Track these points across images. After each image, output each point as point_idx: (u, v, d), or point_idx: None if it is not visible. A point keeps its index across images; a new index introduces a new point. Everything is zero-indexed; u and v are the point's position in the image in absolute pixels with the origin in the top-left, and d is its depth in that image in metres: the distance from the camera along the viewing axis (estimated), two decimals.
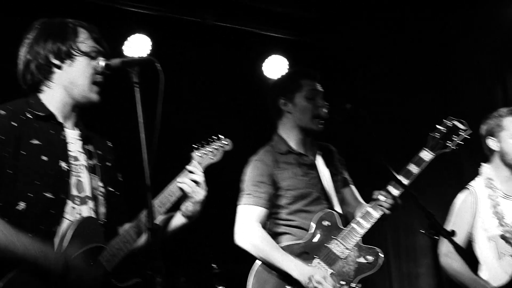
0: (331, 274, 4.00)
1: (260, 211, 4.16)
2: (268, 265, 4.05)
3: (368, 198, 4.12)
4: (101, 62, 3.10)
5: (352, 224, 4.09)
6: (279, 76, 4.63)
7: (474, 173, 4.75)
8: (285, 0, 6.56)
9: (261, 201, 4.16)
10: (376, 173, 3.92)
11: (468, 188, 4.63)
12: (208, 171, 3.40)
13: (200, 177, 3.28)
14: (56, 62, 3.11)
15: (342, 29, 7.19)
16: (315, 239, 4.12)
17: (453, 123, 4.13)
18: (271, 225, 4.26)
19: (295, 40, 7.12)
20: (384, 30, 7.15)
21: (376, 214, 4.06)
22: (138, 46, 6.25)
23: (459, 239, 4.42)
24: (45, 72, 3.11)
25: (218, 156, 3.49)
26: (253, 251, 4.08)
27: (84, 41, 3.14)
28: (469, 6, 6.53)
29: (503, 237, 4.47)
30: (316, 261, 4.04)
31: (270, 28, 6.88)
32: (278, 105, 4.44)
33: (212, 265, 5.84)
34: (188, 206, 3.30)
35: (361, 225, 4.07)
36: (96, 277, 2.93)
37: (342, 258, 4.05)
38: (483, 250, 4.54)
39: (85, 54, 3.12)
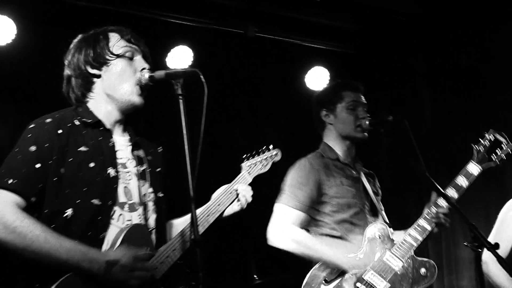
0: (388, 287, 3.95)
1: (297, 215, 4.11)
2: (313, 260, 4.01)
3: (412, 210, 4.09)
4: (146, 74, 3.12)
5: (405, 236, 4.06)
6: (322, 89, 4.64)
7: None
8: (328, 12, 6.54)
9: (299, 205, 4.12)
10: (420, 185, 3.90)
11: None
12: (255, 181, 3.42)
13: (249, 191, 3.31)
14: (93, 71, 3.15)
15: (386, 40, 7.16)
16: (367, 253, 4.07)
17: (494, 137, 4.09)
18: (312, 233, 4.20)
19: (337, 52, 7.10)
20: (427, 42, 7.11)
21: (428, 227, 4.04)
22: (180, 58, 6.29)
23: (503, 249, 4.36)
24: (86, 84, 3.17)
25: (267, 166, 3.53)
26: (294, 247, 4.02)
27: (116, 43, 3.18)
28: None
29: None
30: (370, 272, 3.97)
31: (312, 39, 6.87)
32: (320, 117, 4.45)
33: (254, 275, 5.84)
34: (228, 211, 3.33)
35: (414, 237, 4.04)
36: (144, 284, 2.91)
37: (396, 271, 4.00)
38: None
39: (119, 56, 3.15)
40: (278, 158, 3.59)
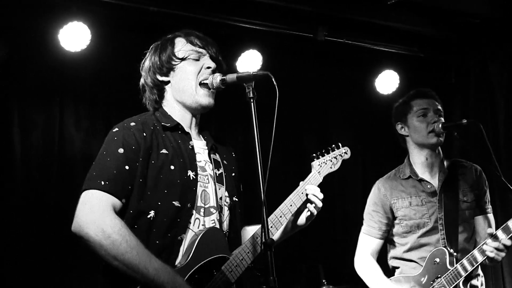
0: None
1: (372, 242, 4.37)
2: None
3: None
4: (218, 78, 3.13)
5: (457, 265, 4.06)
6: (396, 102, 4.61)
7: None
8: (397, 15, 6.46)
9: (373, 231, 4.36)
10: None
11: None
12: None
13: (319, 193, 3.29)
14: (162, 78, 3.21)
15: (459, 44, 7.04)
16: (424, 275, 4.15)
17: None
18: (391, 253, 4.40)
19: (407, 55, 7.01)
20: (498, 45, 6.96)
21: (479, 258, 4.00)
22: (250, 62, 6.31)
23: None
24: (158, 92, 3.24)
25: (337, 165, 3.52)
26: (364, 280, 4.33)
27: (182, 48, 3.21)
28: None
29: None
30: None
31: (382, 42, 6.80)
32: (398, 131, 4.44)
33: (322, 280, 5.81)
34: (302, 217, 3.31)
35: (464, 267, 4.04)
36: (220, 287, 2.95)
37: None
38: None
39: (183, 59, 3.19)
40: (347, 156, 3.58)
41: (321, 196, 3.28)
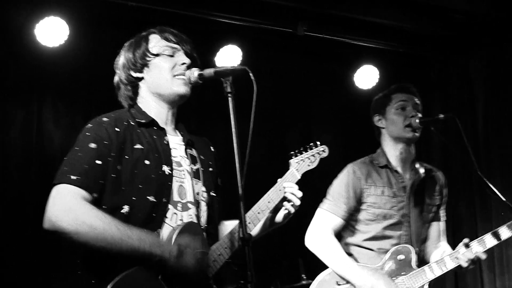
0: None
1: (336, 221, 4.22)
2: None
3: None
4: (195, 72, 3.12)
5: (425, 267, 4.07)
6: (375, 95, 4.63)
7: None
8: (377, 10, 6.48)
9: (339, 211, 4.22)
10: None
11: None
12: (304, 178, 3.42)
13: (299, 191, 3.29)
14: (137, 75, 3.20)
15: (440, 39, 7.08)
16: (384, 269, 4.13)
17: None
18: (345, 239, 4.31)
19: (387, 50, 7.04)
20: (478, 41, 7.02)
21: (450, 265, 4.01)
22: (229, 57, 6.31)
23: None
24: (133, 88, 3.22)
25: (315, 163, 3.52)
26: (321, 256, 4.16)
27: (156, 44, 3.20)
28: None
29: None
30: None
31: (361, 37, 6.82)
32: (374, 123, 4.45)
33: (302, 275, 5.83)
34: (279, 214, 3.31)
35: (433, 271, 4.04)
36: (197, 282, 2.95)
37: None
38: None
39: (157, 55, 3.18)
40: (325, 154, 3.58)
41: (299, 194, 3.28)
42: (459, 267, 3.98)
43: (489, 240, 3.94)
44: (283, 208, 3.28)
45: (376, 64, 7.07)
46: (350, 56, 7.04)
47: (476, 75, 7.36)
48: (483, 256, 3.95)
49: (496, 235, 3.93)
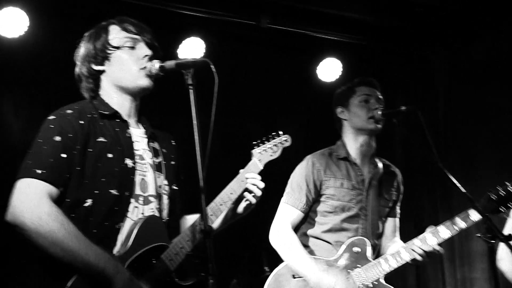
0: None
1: (296, 214, 4.26)
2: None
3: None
4: (156, 64, 3.11)
5: (380, 259, 4.10)
6: (338, 87, 4.65)
7: None
8: (341, 2, 6.50)
9: (299, 204, 4.25)
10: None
11: None
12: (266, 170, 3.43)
13: (261, 182, 3.30)
14: (98, 67, 3.18)
15: (401, 32, 7.12)
16: (340, 262, 4.15)
17: None
18: (303, 230, 4.32)
19: (350, 43, 7.06)
20: (440, 34, 7.08)
21: (406, 257, 4.03)
22: (192, 49, 6.28)
23: None
24: (94, 80, 3.20)
25: (278, 153, 3.55)
26: (279, 252, 4.21)
27: (116, 36, 3.18)
28: None
29: None
30: (334, 284, 4.04)
31: (325, 30, 6.83)
32: (337, 115, 4.46)
33: (265, 267, 5.84)
34: (241, 205, 3.32)
35: (389, 263, 4.06)
36: (158, 275, 2.95)
37: None
38: None
39: (118, 48, 3.15)
40: (288, 143, 3.60)
41: (261, 185, 3.29)
42: (415, 260, 4.01)
43: (444, 231, 3.98)
44: (245, 199, 3.28)
45: (339, 57, 7.08)
46: (313, 49, 7.05)
47: (437, 68, 7.44)
48: (438, 248, 3.99)
49: (451, 227, 3.97)
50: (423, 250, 3.95)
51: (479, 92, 6.94)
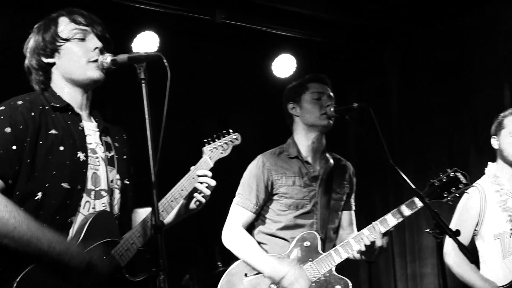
0: None
1: (246, 215, 4.27)
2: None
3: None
4: (108, 58, 3.06)
5: (331, 251, 4.12)
6: (290, 83, 4.65)
7: (481, 173, 4.77)
8: None
9: (250, 205, 4.26)
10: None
11: (475, 186, 4.63)
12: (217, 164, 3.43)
13: (212, 180, 3.29)
14: (48, 60, 3.11)
15: (352, 28, 7.19)
16: (292, 256, 4.17)
17: (456, 175, 4.04)
18: (258, 229, 4.34)
19: (305, 39, 7.10)
20: (392, 32, 7.17)
21: (355, 247, 4.06)
22: (146, 43, 6.23)
23: (464, 236, 4.41)
24: (44, 73, 3.13)
25: (228, 151, 3.56)
26: (234, 251, 4.23)
27: (65, 28, 3.11)
28: (480, 9, 6.56)
29: None
30: (286, 278, 4.06)
31: (279, 26, 6.86)
32: (288, 111, 4.47)
33: (218, 263, 5.84)
34: (190, 205, 3.32)
35: (339, 254, 4.09)
36: (109, 271, 2.93)
37: (312, 282, 4.08)
38: (488, 248, 4.56)
39: (68, 40, 3.09)
40: (238, 142, 3.63)
41: (212, 183, 3.29)
42: (365, 253, 4.05)
43: (391, 219, 4.04)
44: (194, 199, 3.29)
45: (293, 53, 7.12)
46: (268, 45, 7.08)
47: (390, 65, 7.53)
48: (385, 242, 4.04)
49: (397, 214, 4.04)
50: (372, 238, 4.00)
51: (431, 88, 7.06)
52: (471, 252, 4.10)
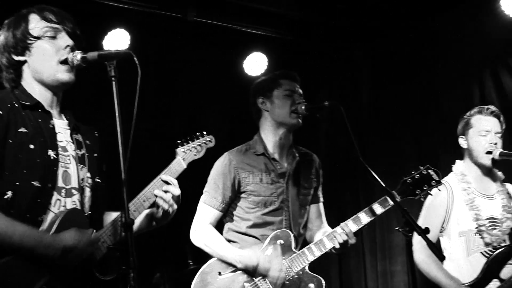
0: None
1: (213, 213, 4.26)
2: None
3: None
4: (78, 55, 3.05)
5: (304, 249, 4.15)
6: (259, 79, 4.64)
7: (449, 170, 4.82)
8: None
9: (216, 203, 4.26)
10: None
11: (442, 183, 4.68)
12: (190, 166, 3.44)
13: (176, 189, 3.26)
14: (18, 58, 3.10)
15: (324, 26, 7.21)
16: (266, 254, 4.16)
17: (428, 172, 4.11)
18: (227, 227, 4.34)
19: (276, 38, 7.12)
20: (363, 31, 7.21)
21: (328, 245, 4.09)
22: (117, 41, 6.20)
23: (431, 233, 4.44)
24: (14, 71, 3.11)
25: (202, 152, 3.57)
26: (204, 249, 4.21)
27: (36, 25, 3.09)
28: (450, 10, 6.63)
29: (478, 230, 4.53)
30: (260, 276, 4.08)
31: (251, 25, 6.86)
32: (257, 105, 4.45)
33: (189, 261, 5.84)
34: (158, 213, 3.27)
35: (312, 252, 4.11)
36: (79, 270, 2.91)
37: (286, 281, 4.09)
38: (453, 245, 4.61)
39: (38, 38, 3.07)
40: (212, 144, 3.65)
41: (176, 192, 3.24)
42: (337, 248, 4.08)
43: (364, 217, 4.08)
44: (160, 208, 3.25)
45: (265, 51, 7.14)
46: (240, 43, 7.08)
47: (361, 64, 7.58)
48: (352, 240, 4.07)
49: (370, 212, 4.07)
50: (344, 236, 4.02)
51: (401, 87, 7.12)
52: (439, 250, 4.16)
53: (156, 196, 3.21)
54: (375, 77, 7.50)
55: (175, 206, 3.26)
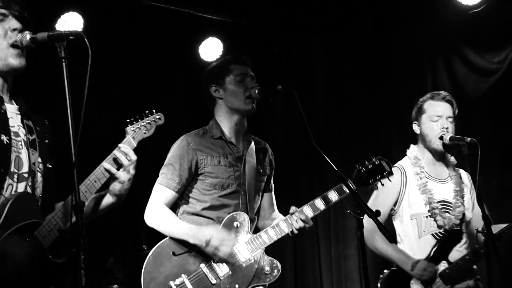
0: (229, 274, 4.06)
1: (169, 194, 4.22)
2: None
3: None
4: (27, 36, 3.01)
5: (261, 232, 4.15)
6: (209, 66, 4.62)
7: (403, 154, 4.91)
8: None
9: (173, 184, 4.21)
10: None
11: (396, 166, 4.75)
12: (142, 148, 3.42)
13: (131, 155, 3.25)
14: None
15: (280, 13, 7.23)
16: (220, 232, 4.14)
17: (380, 163, 4.16)
18: (182, 209, 4.32)
19: (231, 23, 7.12)
20: (319, 18, 7.25)
21: (285, 229, 4.11)
22: (70, 24, 6.13)
23: (381, 215, 4.51)
24: None
25: (151, 130, 3.53)
26: (158, 229, 4.16)
27: None
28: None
29: (432, 213, 4.61)
30: (217, 257, 4.06)
31: (206, 10, 6.85)
32: (210, 93, 4.44)
33: (143, 246, 5.82)
34: (115, 186, 3.27)
35: (269, 236, 4.12)
36: (32, 253, 2.90)
37: (242, 262, 4.10)
38: (405, 228, 4.70)
39: None
40: (161, 122, 3.61)
41: (133, 157, 3.26)
42: (293, 232, 4.11)
43: (319, 204, 4.12)
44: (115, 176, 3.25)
45: (220, 36, 7.13)
46: (195, 28, 7.06)
47: (316, 50, 7.62)
48: (309, 224, 4.12)
49: (326, 199, 4.12)
50: (301, 220, 4.06)
51: (356, 75, 7.19)
52: (390, 232, 4.21)
53: (107, 170, 3.20)
54: (331, 65, 7.55)
55: (130, 175, 3.26)
